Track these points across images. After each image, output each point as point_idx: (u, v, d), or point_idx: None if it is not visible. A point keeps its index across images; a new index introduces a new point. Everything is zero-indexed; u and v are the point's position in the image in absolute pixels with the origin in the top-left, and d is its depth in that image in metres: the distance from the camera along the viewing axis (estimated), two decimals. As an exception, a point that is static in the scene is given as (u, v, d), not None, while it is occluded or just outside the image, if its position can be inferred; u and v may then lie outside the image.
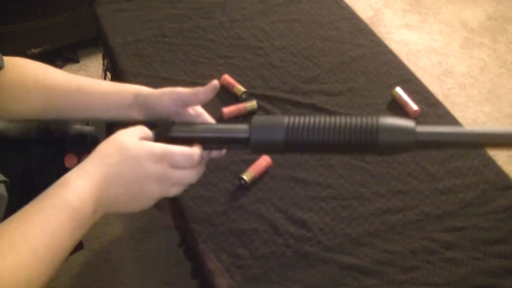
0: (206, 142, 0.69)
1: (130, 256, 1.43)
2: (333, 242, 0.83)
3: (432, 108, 1.05)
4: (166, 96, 0.72)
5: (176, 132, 0.69)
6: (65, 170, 0.64)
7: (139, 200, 0.63)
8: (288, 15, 1.28)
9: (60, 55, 1.93)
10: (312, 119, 0.67)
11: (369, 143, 0.64)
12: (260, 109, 1.04)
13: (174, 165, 0.63)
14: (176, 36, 1.21)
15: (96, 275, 1.40)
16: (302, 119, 0.67)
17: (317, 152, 0.68)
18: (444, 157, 0.97)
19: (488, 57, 2.02)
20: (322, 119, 0.66)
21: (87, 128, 0.70)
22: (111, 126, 0.73)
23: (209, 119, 0.76)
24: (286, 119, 0.67)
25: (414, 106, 1.03)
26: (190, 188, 0.75)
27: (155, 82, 1.10)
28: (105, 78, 1.31)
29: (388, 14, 2.21)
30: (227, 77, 1.09)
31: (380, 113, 1.04)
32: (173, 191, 0.66)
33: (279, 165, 0.94)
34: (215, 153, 0.73)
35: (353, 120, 0.65)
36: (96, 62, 1.95)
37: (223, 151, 0.74)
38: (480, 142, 0.65)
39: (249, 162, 0.93)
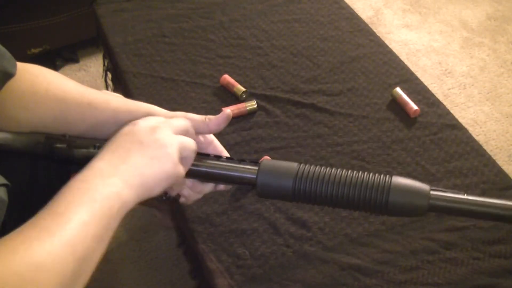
0: (213, 178, 0.69)
1: (130, 256, 1.43)
2: (333, 242, 0.83)
3: (432, 108, 1.05)
4: None
5: None
6: None
7: (157, 155, 0.60)
8: (288, 15, 1.28)
9: (60, 55, 1.93)
10: (323, 170, 0.64)
11: (379, 202, 0.62)
12: (260, 109, 1.04)
13: (173, 129, 0.64)
14: (176, 36, 1.21)
15: (96, 275, 1.40)
16: (313, 168, 0.65)
17: (326, 204, 0.66)
18: (444, 157, 0.97)
19: (488, 57, 2.02)
20: (334, 171, 0.64)
21: (94, 151, 0.69)
22: None
23: (220, 147, 0.75)
24: (296, 166, 0.65)
25: (414, 106, 1.03)
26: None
27: (155, 82, 1.10)
28: (105, 78, 1.32)
29: (388, 14, 2.20)
30: (227, 77, 1.09)
31: (380, 113, 1.04)
32: (181, 169, 0.63)
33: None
34: (221, 186, 0.73)
35: (366, 176, 0.64)
36: (96, 62, 1.95)
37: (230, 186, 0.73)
38: (497, 215, 0.62)
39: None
